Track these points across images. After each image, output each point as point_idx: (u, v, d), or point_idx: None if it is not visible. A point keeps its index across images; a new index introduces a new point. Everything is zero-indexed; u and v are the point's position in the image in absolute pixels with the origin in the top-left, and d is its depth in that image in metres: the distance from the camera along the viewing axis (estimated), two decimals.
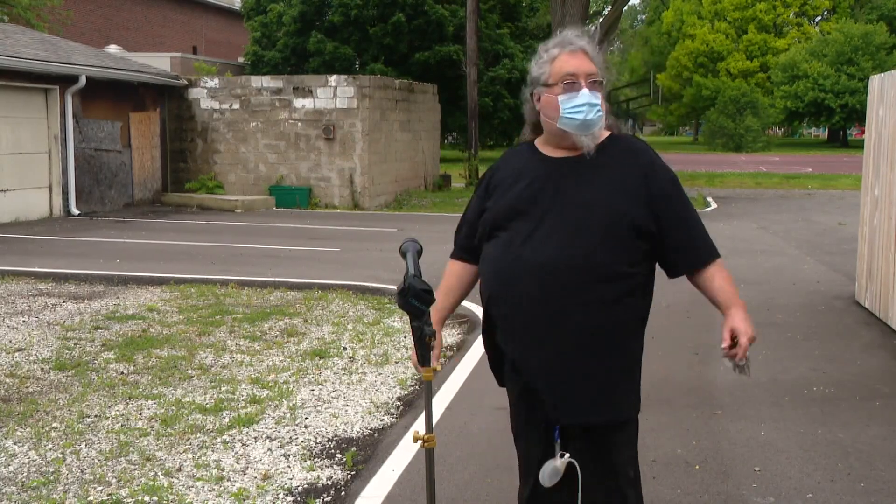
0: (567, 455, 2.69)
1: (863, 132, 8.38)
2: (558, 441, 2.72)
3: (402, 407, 5.57)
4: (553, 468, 2.69)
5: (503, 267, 2.72)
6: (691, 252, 2.80)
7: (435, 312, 2.84)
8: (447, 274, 3.04)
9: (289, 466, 4.52)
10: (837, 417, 5.27)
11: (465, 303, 8.43)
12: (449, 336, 7.42)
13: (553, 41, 2.79)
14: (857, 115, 48.18)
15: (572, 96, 2.69)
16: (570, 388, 2.68)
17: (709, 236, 2.84)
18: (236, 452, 4.70)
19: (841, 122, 53.38)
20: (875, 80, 8.28)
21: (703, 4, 62.43)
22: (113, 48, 23.66)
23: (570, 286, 2.64)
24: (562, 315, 2.65)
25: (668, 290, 9.09)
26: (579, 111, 2.68)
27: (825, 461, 4.57)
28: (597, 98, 2.70)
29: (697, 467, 4.49)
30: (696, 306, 8.52)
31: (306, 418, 5.28)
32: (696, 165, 35.12)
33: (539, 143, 2.88)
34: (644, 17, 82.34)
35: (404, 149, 21.10)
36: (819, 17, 63.60)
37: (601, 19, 22.15)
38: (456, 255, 3.03)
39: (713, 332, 7.48)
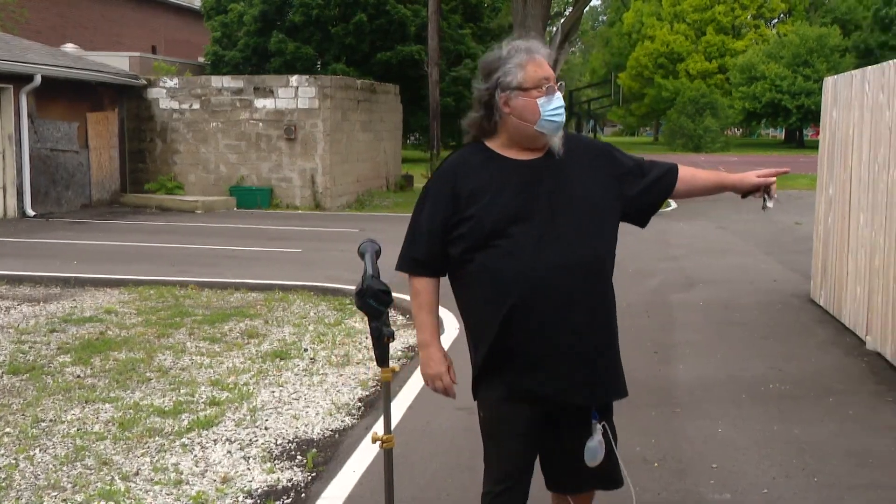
0: (600, 427, 2.89)
1: (818, 133, 8.52)
2: (595, 421, 2.89)
3: (363, 408, 5.56)
4: (596, 445, 2.88)
5: (523, 273, 2.76)
6: (665, 174, 3.07)
7: (429, 332, 2.93)
8: (419, 291, 2.94)
9: (248, 469, 4.49)
10: (793, 414, 5.35)
11: None
12: (411, 336, 7.41)
13: (514, 48, 2.87)
14: (813, 116, 48.94)
15: (550, 99, 2.82)
16: (605, 373, 2.92)
17: None
18: (195, 455, 4.66)
19: (797, 123, 54.24)
20: (829, 82, 8.41)
21: (662, 6, 63.09)
22: (70, 47, 23.30)
23: (589, 284, 2.83)
24: (588, 311, 2.84)
25: (629, 291, 9.24)
26: (558, 114, 2.82)
27: (781, 457, 4.63)
28: (561, 101, 2.86)
29: (656, 465, 4.54)
30: (656, 306, 8.61)
31: (267, 420, 5.25)
32: None
33: (495, 146, 2.90)
34: (605, 17, 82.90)
35: (366, 149, 21.04)
36: (775, 20, 64.55)
37: (562, 20, 22.23)
38: (419, 272, 2.93)
39: (673, 332, 7.57)
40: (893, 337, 6.26)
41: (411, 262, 2.93)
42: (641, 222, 3.13)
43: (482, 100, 2.88)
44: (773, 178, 3.06)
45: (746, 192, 3.10)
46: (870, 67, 7.08)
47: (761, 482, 4.31)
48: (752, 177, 3.08)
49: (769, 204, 3.02)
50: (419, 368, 3.04)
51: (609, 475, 3.04)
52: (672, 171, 3.09)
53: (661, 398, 5.69)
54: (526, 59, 2.83)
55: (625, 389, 3.01)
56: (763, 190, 3.04)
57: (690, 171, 3.12)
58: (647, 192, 3.04)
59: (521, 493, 2.96)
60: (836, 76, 8.21)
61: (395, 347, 7.03)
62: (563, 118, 2.85)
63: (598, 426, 2.91)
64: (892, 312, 6.30)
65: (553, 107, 2.81)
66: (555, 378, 2.83)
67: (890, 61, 6.58)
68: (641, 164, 3.07)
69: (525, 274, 2.76)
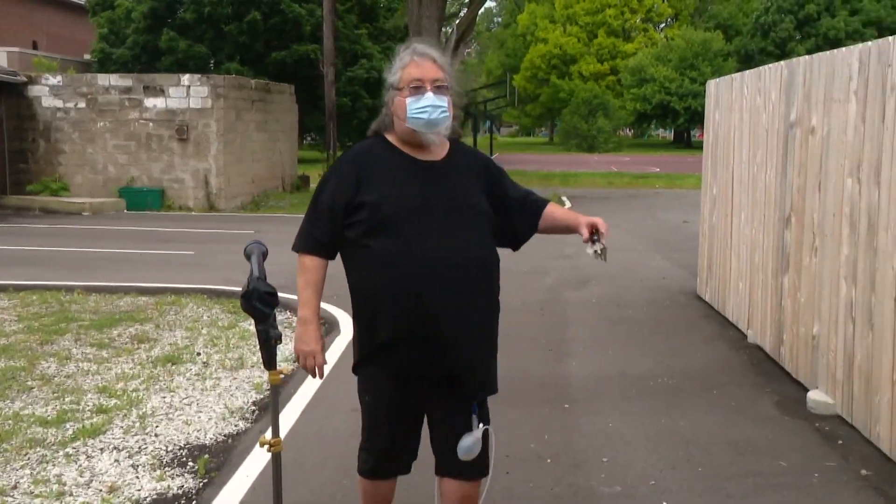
0: (482, 426, 3.05)
1: (703, 134, 8.83)
2: (475, 415, 3.05)
3: (257, 411, 5.48)
4: (474, 440, 3.01)
5: (422, 263, 2.91)
6: (531, 203, 3.28)
7: (311, 310, 3.01)
8: (308, 268, 3.03)
9: (137, 477, 4.37)
10: (679, 407, 5.52)
11: (323, 304, 8.35)
12: None
13: (406, 49, 3.09)
14: (699, 118, 50.64)
15: (418, 98, 2.98)
16: (485, 369, 3.11)
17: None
18: (80, 465, 4.50)
19: (685, 124, 56.08)
20: (711, 85, 8.71)
21: (555, 8, 64.19)
22: None
23: (476, 279, 3.00)
24: (475, 306, 3.01)
25: (523, 289, 9.35)
26: (424, 111, 2.97)
27: (667, 450, 4.77)
28: (442, 101, 3.00)
29: (549, 461, 4.61)
30: (550, 304, 8.76)
31: (157, 426, 5.12)
32: (552, 166, 36.04)
33: (394, 140, 3.10)
34: (500, 19, 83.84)
35: (261, 149, 20.75)
36: (663, 24, 66.50)
37: (457, 21, 22.37)
38: (312, 251, 3.04)
39: (566, 329, 7.71)
40: (772, 330, 6.53)
41: (313, 242, 3.04)
42: (514, 245, 3.32)
43: (384, 96, 3.12)
44: (595, 238, 3.14)
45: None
46: (748, 72, 7.36)
47: (649, 474, 4.43)
48: (585, 225, 3.14)
49: (588, 251, 3.14)
50: (294, 343, 3.10)
51: (478, 464, 3.17)
52: (541, 205, 3.29)
53: (555, 394, 5.78)
54: (409, 61, 3.03)
55: (497, 386, 3.22)
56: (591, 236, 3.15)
57: (553, 209, 3.31)
58: (520, 217, 3.24)
59: (395, 471, 3.25)
60: (717, 79, 8.51)
61: (290, 350, 6.93)
62: (430, 115, 2.97)
63: (479, 426, 3.05)
64: (771, 307, 6.56)
65: (419, 105, 2.97)
66: (439, 365, 2.99)
67: (766, 66, 6.85)
68: (517, 189, 3.29)
69: (424, 264, 2.91)
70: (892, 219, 4.54)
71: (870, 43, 4.90)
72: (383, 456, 3.21)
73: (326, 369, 6.43)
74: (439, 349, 2.96)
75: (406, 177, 3.00)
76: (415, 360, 2.98)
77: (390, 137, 3.10)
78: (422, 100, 2.97)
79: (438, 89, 2.99)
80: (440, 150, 3.09)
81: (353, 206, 2.96)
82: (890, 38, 4.65)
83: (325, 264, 3.07)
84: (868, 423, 4.85)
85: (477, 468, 3.15)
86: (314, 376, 3.08)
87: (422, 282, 2.90)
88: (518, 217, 3.24)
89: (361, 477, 3.30)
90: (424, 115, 2.97)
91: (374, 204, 2.93)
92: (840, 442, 4.88)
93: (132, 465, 4.52)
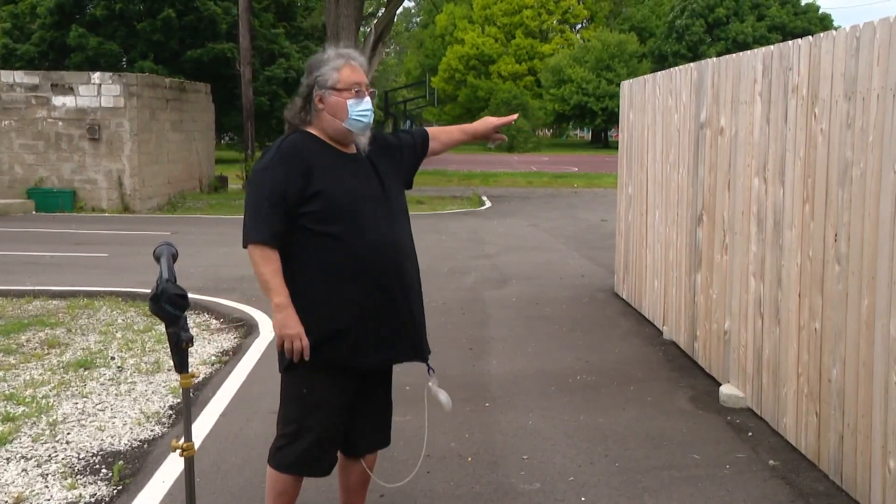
0: (435, 376, 3.44)
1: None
2: (432, 371, 3.43)
3: (174, 416, 5.38)
4: (441, 390, 3.40)
5: (374, 248, 3.15)
6: (422, 136, 3.60)
7: (285, 295, 3.09)
8: (272, 258, 3.09)
9: (46, 486, 4.25)
10: (597, 403, 5.62)
11: (241, 306, 8.25)
12: (226, 341, 7.24)
13: (335, 52, 3.26)
14: (616, 118, 51.58)
15: (359, 101, 3.22)
16: (423, 337, 3.39)
17: None
18: None
19: (602, 124, 57.05)
20: (625, 86, 8.88)
21: (473, 9, 64.58)
22: None
23: (413, 264, 3.34)
24: (413, 287, 3.31)
25: (444, 289, 9.40)
26: (364, 115, 3.23)
27: (586, 445, 4.86)
28: (372, 106, 3.28)
29: (470, 459, 4.64)
30: (471, 304, 8.81)
31: (68, 434, 4.98)
32: (472, 165, 36.24)
33: (319, 135, 3.25)
34: (419, 19, 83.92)
35: (177, 149, 20.37)
36: (579, 25, 67.52)
37: (375, 21, 22.31)
38: (272, 243, 3.09)
39: (487, 328, 7.77)
40: (686, 326, 6.70)
41: (272, 233, 3.09)
42: (409, 185, 3.60)
43: (303, 94, 3.25)
44: (503, 138, 3.71)
45: (486, 136, 3.67)
46: (660, 73, 7.54)
47: (568, 470, 4.50)
48: (490, 124, 3.64)
49: (491, 146, 3.71)
50: (276, 329, 3.13)
51: (387, 433, 3.52)
52: (424, 132, 3.63)
53: (475, 393, 5.82)
54: (343, 64, 3.22)
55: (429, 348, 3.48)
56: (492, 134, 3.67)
57: (439, 129, 3.71)
58: (412, 157, 3.55)
59: (322, 466, 3.32)
60: (631, 80, 8.69)
61: (209, 352, 6.86)
62: (370, 120, 3.24)
63: (434, 376, 3.43)
64: (684, 303, 6.73)
65: (361, 108, 3.21)
66: (394, 342, 3.25)
67: (677, 67, 7.02)
68: (407, 134, 3.60)
69: (378, 250, 3.15)
70: (796, 217, 4.70)
71: (772, 47, 5.07)
72: (317, 448, 3.25)
73: (246, 370, 6.37)
74: (396, 328, 3.23)
75: (342, 169, 3.20)
76: (371, 343, 3.18)
77: (314, 132, 3.25)
78: (362, 104, 3.21)
79: (371, 95, 3.27)
80: (352, 145, 3.30)
81: (306, 195, 3.09)
82: (790, 42, 4.82)
83: (277, 254, 3.13)
84: (776, 414, 5.02)
85: (387, 435, 3.52)
86: (300, 359, 3.12)
87: (380, 266, 3.16)
88: (415, 153, 3.56)
89: (285, 474, 3.29)
90: (365, 119, 3.22)
91: (327, 193, 3.10)
92: (750, 434, 5.03)
93: (41, 475, 4.39)
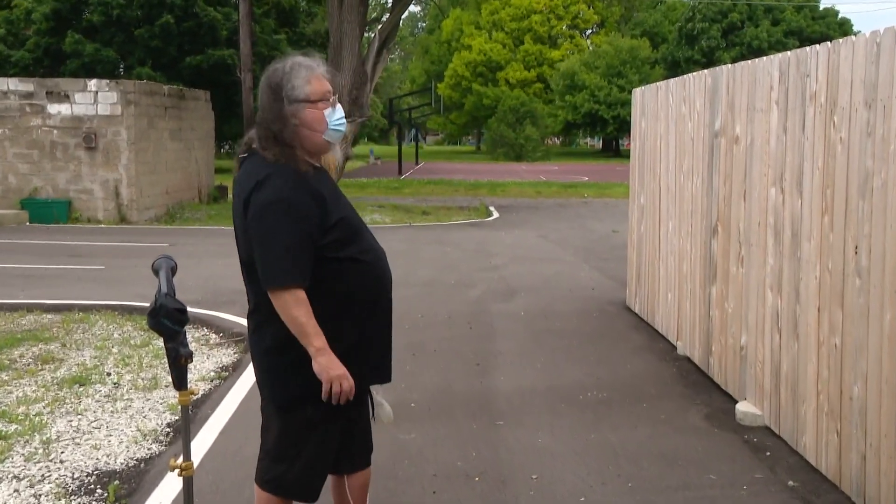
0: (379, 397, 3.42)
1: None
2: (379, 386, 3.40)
3: (172, 434, 5.37)
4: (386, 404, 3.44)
5: (379, 268, 3.21)
6: None
7: (324, 337, 3.02)
8: (304, 300, 2.98)
9: None
10: (609, 421, 5.60)
11: (241, 319, 8.25)
12: (225, 356, 7.24)
13: (296, 63, 3.11)
14: (628, 126, 51.64)
15: (334, 111, 3.15)
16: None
17: None
18: None
19: (614, 133, 57.04)
20: (637, 93, 8.89)
21: (481, 15, 64.75)
22: None
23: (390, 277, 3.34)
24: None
25: (450, 302, 9.38)
26: (341, 123, 3.17)
27: (597, 464, 4.84)
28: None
29: (477, 479, 4.63)
30: (477, 317, 8.80)
31: (62, 452, 4.98)
32: (479, 175, 36.29)
33: (302, 154, 3.13)
34: (424, 25, 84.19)
35: (176, 159, 20.43)
36: (590, 31, 67.66)
37: (379, 26, 22.38)
38: (305, 282, 3.00)
39: (494, 342, 7.75)
40: (701, 341, 6.67)
41: (304, 274, 2.99)
42: None
43: (275, 116, 3.08)
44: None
45: None
46: (673, 80, 7.54)
47: (579, 490, 4.48)
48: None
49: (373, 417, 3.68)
50: (323, 374, 3.04)
51: (370, 451, 3.51)
52: None
53: (482, 410, 5.81)
54: (310, 75, 3.11)
55: None
56: None
57: None
58: None
59: (321, 486, 3.33)
60: (643, 87, 8.69)
61: (208, 368, 6.85)
62: (344, 128, 3.20)
63: (381, 388, 3.41)
64: (699, 317, 6.71)
65: (337, 117, 3.16)
66: (385, 362, 3.31)
67: (691, 74, 7.03)
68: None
69: (380, 268, 3.21)
70: (814, 228, 4.69)
71: (789, 53, 5.07)
72: (309, 473, 3.26)
73: (246, 387, 6.36)
74: (389, 345, 3.30)
75: (333, 188, 3.19)
76: (376, 364, 3.25)
77: (297, 152, 3.12)
78: (336, 112, 3.15)
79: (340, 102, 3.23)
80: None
81: (326, 226, 3.04)
82: (808, 48, 4.82)
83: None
84: (795, 433, 4.99)
85: (371, 450, 3.51)
86: (346, 400, 3.10)
87: (387, 280, 3.25)
88: None
89: (285, 498, 3.28)
90: (342, 128, 3.17)
91: (343, 218, 3.11)
92: (768, 453, 5.01)
93: (34, 495, 4.38)
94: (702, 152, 6.60)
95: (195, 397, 6.05)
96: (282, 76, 3.08)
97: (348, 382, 3.07)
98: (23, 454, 4.94)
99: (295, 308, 2.97)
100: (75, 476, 4.65)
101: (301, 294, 2.97)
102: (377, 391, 3.39)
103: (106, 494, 4.40)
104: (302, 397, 3.12)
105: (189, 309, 3.07)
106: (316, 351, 3.01)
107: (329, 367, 3.03)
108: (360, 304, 3.15)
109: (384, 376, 3.33)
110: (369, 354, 3.22)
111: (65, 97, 17.84)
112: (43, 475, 4.65)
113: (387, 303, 3.25)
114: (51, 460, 4.86)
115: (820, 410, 4.65)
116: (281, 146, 3.06)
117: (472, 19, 65.27)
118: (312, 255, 3.00)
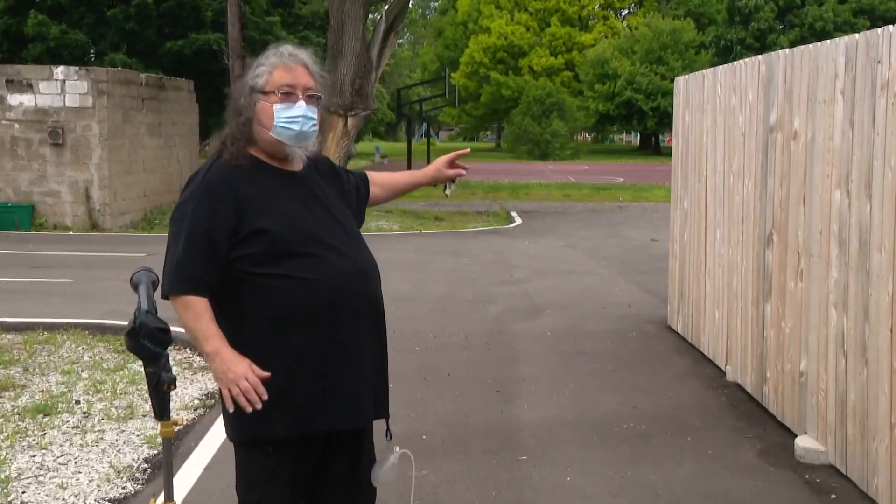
0: (399, 451, 3.21)
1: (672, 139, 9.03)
2: (390, 441, 3.27)
3: (149, 470, 5.40)
4: (391, 466, 3.19)
5: (327, 285, 3.03)
6: (362, 182, 3.56)
7: (219, 338, 2.97)
8: (196, 304, 2.99)
9: None
10: (648, 456, 5.59)
11: None
12: (210, 381, 7.27)
13: (275, 51, 3.17)
14: (669, 120, 51.59)
15: (288, 106, 3.09)
16: (384, 392, 3.28)
17: None
18: None
19: (654, 127, 56.81)
20: (680, 83, 8.89)
21: None
22: None
23: (375, 295, 3.20)
24: (375, 326, 3.21)
25: (466, 320, 9.40)
26: (295, 122, 3.09)
27: None
28: (313, 112, 3.14)
29: None
30: (498, 338, 8.81)
31: (23, 492, 5.01)
32: (499, 175, 36.33)
33: (255, 152, 3.16)
34: (436, 5, 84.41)
35: (155, 157, 20.55)
36: (626, 11, 67.68)
37: (386, 6, 22.48)
38: (194, 290, 2.99)
39: (517, 366, 7.76)
40: (754, 366, 6.66)
41: (191, 281, 3.00)
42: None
43: (238, 100, 3.18)
44: (461, 171, 3.69)
45: (437, 178, 3.69)
46: (721, 67, 7.54)
47: None
48: (442, 172, 3.65)
49: (448, 192, 3.82)
50: (219, 383, 3.02)
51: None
52: (363, 175, 3.60)
53: (503, 444, 5.81)
54: (278, 63, 3.12)
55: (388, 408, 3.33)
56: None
57: (382, 175, 3.69)
58: (356, 204, 3.47)
59: None
60: (687, 76, 8.69)
61: (192, 395, 6.88)
62: (301, 127, 3.10)
63: (397, 449, 3.21)
64: (752, 339, 6.70)
65: (290, 114, 3.09)
66: (348, 401, 3.10)
67: (741, 61, 7.03)
68: (352, 176, 3.55)
69: (329, 285, 3.04)
70: (886, 238, 4.68)
71: (857, 35, 5.06)
72: None
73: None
74: (362, 378, 3.12)
75: (286, 194, 3.12)
76: (323, 406, 3.06)
77: (251, 150, 3.16)
78: (293, 108, 3.09)
79: (310, 99, 3.13)
80: (300, 161, 3.22)
81: (240, 235, 3.01)
82: (879, 29, 4.81)
83: (207, 300, 3.04)
84: (864, 473, 4.97)
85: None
86: (256, 403, 2.96)
87: (344, 302, 3.06)
88: (359, 202, 3.51)
89: None
90: (295, 126, 3.09)
91: (271, 231, 3.01)
92: (833, 496, 4.99)
93: None
94: (754, 150, 6.60)
95: (178, 428, 6.08)
96: (255, 61, 3.16)
97: (253, 376, 2.95)
98: None
99: (183, 314, 3.01)
100: None
101: (190, 300, 2.99)
102: (389, 448, 3.22)
103: None
104: (254, 436, 3.10)
105: (172, 328, 3.09)
106: (208, 355, 3.01)
107: (223, 371, 2.97)
108: (297, 331, 3.02)
109: (344, 419, 3.11)
110: (313, 391, 3.05)
111: (27, 86, 17.97)
112: None
113: (348, 330, 3.08)
114: (10, 501, 4.89)
115: (894, 447, 4.63)
116: (229, 136, 3.15)
117: None
118: (216, 261, 3.01)
